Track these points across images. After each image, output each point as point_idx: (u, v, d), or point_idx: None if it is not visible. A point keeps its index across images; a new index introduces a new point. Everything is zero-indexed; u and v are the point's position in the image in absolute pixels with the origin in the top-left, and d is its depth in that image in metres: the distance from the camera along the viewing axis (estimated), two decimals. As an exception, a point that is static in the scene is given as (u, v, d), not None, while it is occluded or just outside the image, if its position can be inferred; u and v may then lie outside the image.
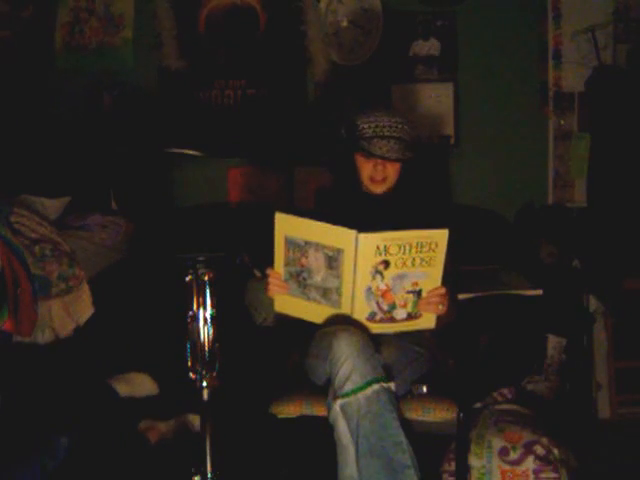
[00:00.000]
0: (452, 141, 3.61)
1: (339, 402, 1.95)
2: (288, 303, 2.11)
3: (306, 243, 1.99)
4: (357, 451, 1.93)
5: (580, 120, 3.53)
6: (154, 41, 3.64)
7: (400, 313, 2.05)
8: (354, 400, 1.93)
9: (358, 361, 1.95)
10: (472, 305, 2.86)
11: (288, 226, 2.01)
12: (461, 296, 2.78)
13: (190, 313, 1.99)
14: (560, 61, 3.54)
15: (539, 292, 2.95)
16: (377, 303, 2.03)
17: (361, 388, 1.94)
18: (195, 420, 2.46)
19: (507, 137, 3.60)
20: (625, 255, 3.15)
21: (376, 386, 1.95)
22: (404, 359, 2.14)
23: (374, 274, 1.98)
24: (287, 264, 2.05)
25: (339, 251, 1.96)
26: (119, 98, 3.60)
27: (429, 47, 3.60)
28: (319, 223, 1.97)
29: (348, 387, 1.94)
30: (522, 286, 3.01)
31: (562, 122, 3.56)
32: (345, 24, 3.62)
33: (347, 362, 1.95)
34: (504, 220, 3.52)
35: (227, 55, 3.67)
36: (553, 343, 3.12)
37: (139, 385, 2.52)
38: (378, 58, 3.60)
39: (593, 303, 3.27)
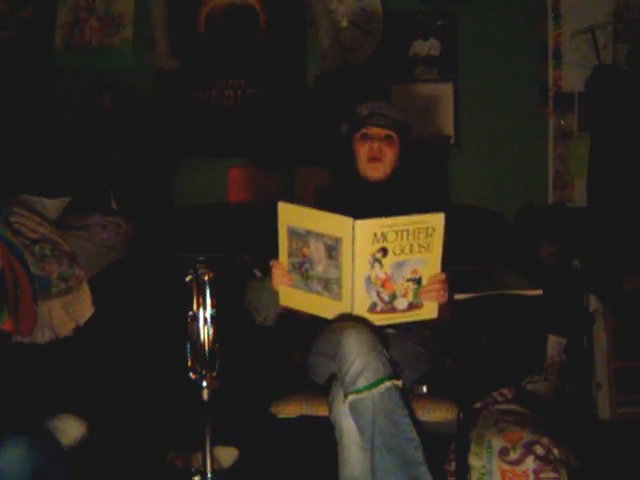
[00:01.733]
0: (452, 141, 3.61)
1: (350, 399, 1.94)
2: (292, 296, 2.11)
3: (307, 233, 2.00)
4: (372, 446, 1.92)
5: (580, 120, 3.53)
6: (149, 41, 3.65)
7: (401, 303, 2.05)
8: (368, 396, 1.93)
9: (370, 357, 1.95)
10: (472, 305, 2.86)
11: (290, 215, 2.02)
12: (461, 296, 2.78)
13: (190, 313, 1.99)
14: (560, 61, 3.54)
15: (539, 292, 2.95)
16: (377, 293, 2.02)
17: (374, 384, 1.93)
18: (221, 452, 2.44)
19: (507, 137, 3.60)
20: (625, 255, 3.15)
21: (388, 383, 1.95)
22: (405, 359, 2.14)
23: (373, 263, 1.98)
24: (290, 255, 2.06)
25: (337, 240, 1.96)
26: (119, 98, 3.60)
27: (429, 47, 3.60)
28: (318, 211, 1.98)
29: (361, 383, 1.94)
30: (522, 286, 3.01)
31: (562, 122, 3.56)
32: (345, 24, 3.62)
33: (359, 359, 1.95)
34: (504, 220, 3.52)
35: (227, 55, 3.67)
36: (553, 343, 3.12)
37: (65, 431, 2.20)
38: (378, 58, 3.60)
39: (593, 303, 3.27)
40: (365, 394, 1.93)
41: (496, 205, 3.54)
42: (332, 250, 1.98)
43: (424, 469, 1.92)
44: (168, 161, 3.66)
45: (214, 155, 3.67)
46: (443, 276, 2.04)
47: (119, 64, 3.69)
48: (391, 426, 1.92)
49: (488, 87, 3.60)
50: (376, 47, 3.60)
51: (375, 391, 1.93)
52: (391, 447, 1.91)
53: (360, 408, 1.94)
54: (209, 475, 2.00)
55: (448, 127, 3.61)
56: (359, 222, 1.93)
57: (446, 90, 3.60)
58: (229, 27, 3.66)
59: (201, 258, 2.03)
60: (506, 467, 2.32)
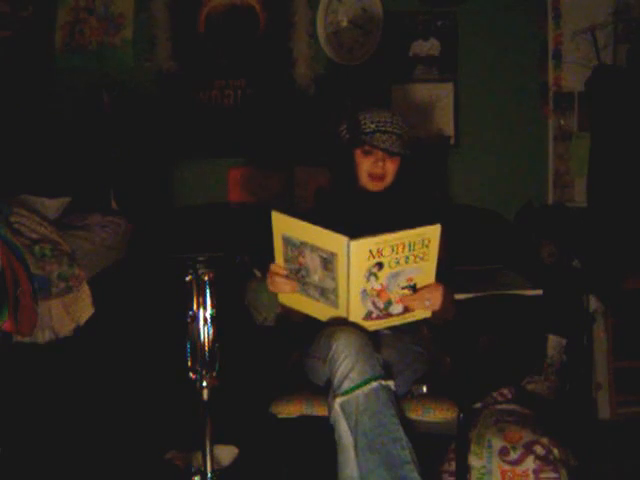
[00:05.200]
0: (452, 141, 3.61)
1: (338, 401, 1.95)
2: (291, 296, 2.11)
3: (302, 243, 1.99)
4: (356, 447, 1.93)
5: (580, 120, 3.53)
6: (150, 42, 3.65)
7: (396, 308, 2.06)
8: (353, 398, 1.93)
9: (356, 360, 1.95)
10: (472, 305, 2.86)
11: (284, 225, 2.01)
12: (461, 296, 2.78)
13: (190, 313, 1.99)
14: (560, 61, 3.54)
15: (539, 292, 2.95)
16: (373, 302, 2.02)
17: (359, 386, 1.94)
18: (220, 451, 2.44)
19: (507, 137, 3.60)
20: (625, 255, 3.15)
21: (375, 384, 1.95)
22: (404, 359, 2.14)
23: (368, 277, 1.97)
24: (287, 261, 2.06)
25: (333, 254, 1.95)
26: (119, 98, 3.60)
27: (429, 47, 3.60)
28: (312, 226, 1.95)
29: (347, 385, 1.94)
30: (522, 286, 3.01)
31: (562, 122, 3.56)
32: (345, 24, 3.62)
33: (346, 361, 1.95)
34: (504, 220, 3.52)
35: (227, 55, 3.67)
36: (553, 343, 3.12)
37: None
38: (378, 58, 3.60)
39: (593, 303, 3.27)
40: (350, 395, 1.94)
41: (496, 205, 3.54)
42: (327, 262, 1.96)
43: (410, 467, 1.91)
44: (168, 161, 3.66)
45: (214, 155, 3.67)
46: (437, 287, 2.04)
47: (119, 64, 3.69)
48: (376, 427, 1.92)
49: (488, 87, 3.60)
50: (376, 47, 3.60)
51: (359, 392, 1.93)
52: (375, 448, 1.91)
53: (347, 410, 1.94)
54: (209, 475, 2.00)
55: (448, 127, 3.61)
56: (354, 242, 1.90)
57: (446, 90, 3.60)
58: (229, 27, 3.66)
59: (201, 258, 2.03)
60: (506, 467, 2.32)
